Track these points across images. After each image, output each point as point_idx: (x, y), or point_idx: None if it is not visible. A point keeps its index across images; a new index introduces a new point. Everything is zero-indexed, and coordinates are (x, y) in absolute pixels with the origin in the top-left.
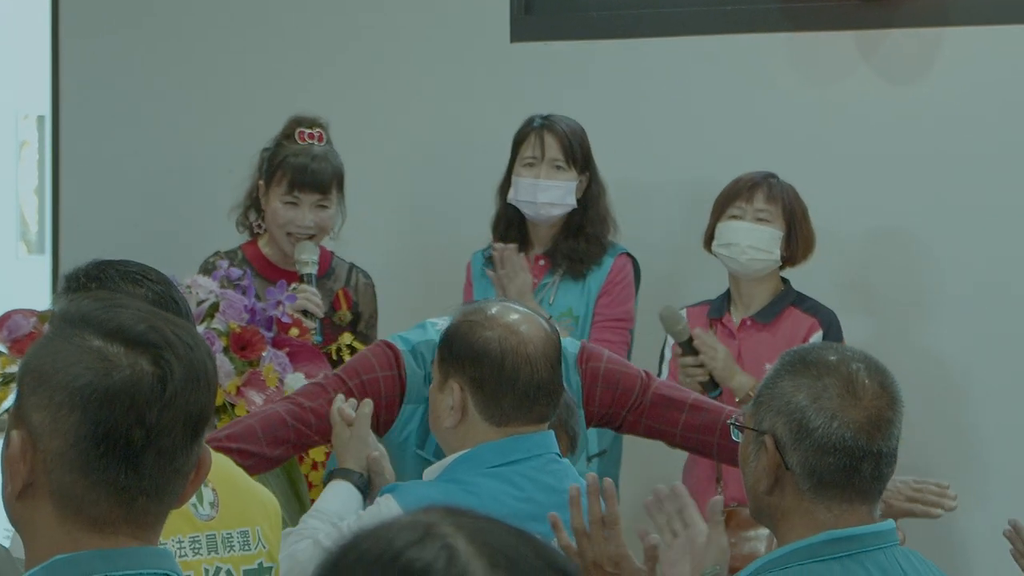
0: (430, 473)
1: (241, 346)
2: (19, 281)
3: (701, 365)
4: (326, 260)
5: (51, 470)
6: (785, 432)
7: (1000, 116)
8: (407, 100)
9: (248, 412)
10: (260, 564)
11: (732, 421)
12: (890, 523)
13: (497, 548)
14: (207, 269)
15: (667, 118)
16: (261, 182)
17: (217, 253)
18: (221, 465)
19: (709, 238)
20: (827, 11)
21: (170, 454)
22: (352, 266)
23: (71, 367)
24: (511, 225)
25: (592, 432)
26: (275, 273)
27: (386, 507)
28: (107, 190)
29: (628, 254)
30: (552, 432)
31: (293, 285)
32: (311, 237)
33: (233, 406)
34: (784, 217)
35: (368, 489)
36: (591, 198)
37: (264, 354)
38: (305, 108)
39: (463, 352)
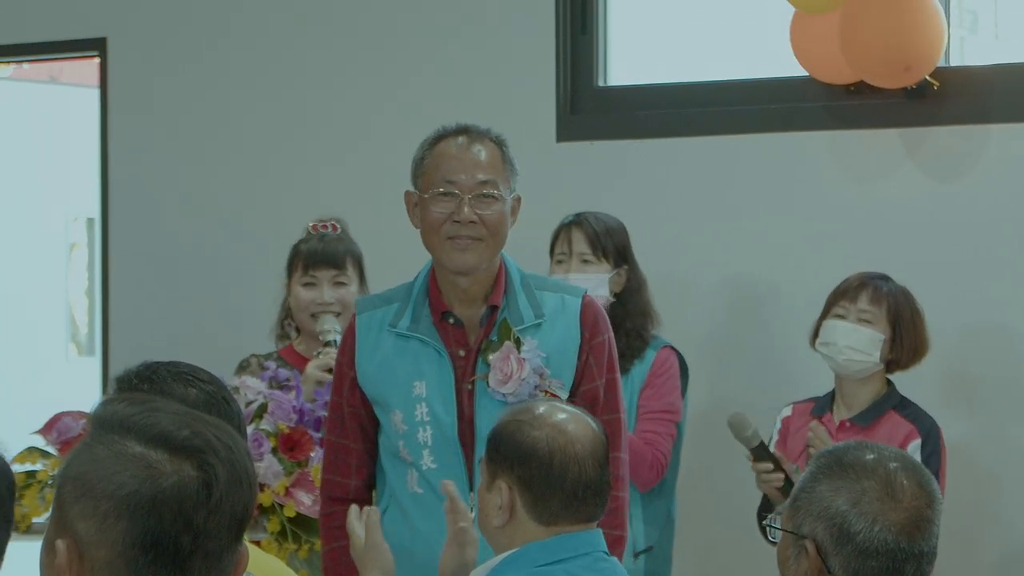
0: (478, 573)
1: (290, 447)
2: (69, 382)
3: (775, 471)
4: None
5: None
6: (826, 537)
7: None
8: None
9: (296, 513)
10: None
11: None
12: None
13: None
14: (243, 368)
15: (711, 215)
16: (286, 282)
17: (254, 355)
18: (271, 566)
19: (814, 335)
20: (871, 109)
21: (216, 556)
22: None
23: (115, 475)
24: None
25: (639, 529)
26: None
27: None
28: (156, 291)
29: (672, 347)
30: (600, 531)
31: (316, 351)
32: (337, 316)
33: (282, 506)
34: (888, 319)
35: None
36: (629, 292)
37: (312, 454)
38: (353, 206)
39: (511, 452)
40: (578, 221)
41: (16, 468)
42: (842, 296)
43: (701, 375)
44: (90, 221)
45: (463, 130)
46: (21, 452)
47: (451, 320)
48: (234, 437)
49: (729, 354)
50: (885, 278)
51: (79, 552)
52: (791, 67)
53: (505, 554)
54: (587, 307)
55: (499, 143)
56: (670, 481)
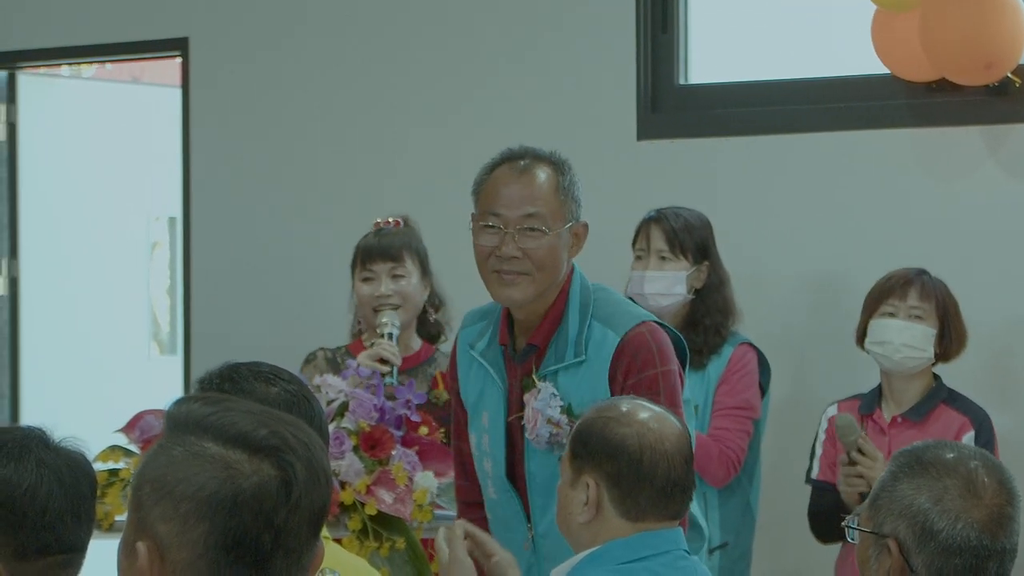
0: (559, 572)
1: (371, 445)
2: (150, 381)
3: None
4: (428, 352)
5: None
6: (908, 535)
7: None
8: None
9: (377, 511)
10: None
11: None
12: None
13: None
14: (308, 361)
15: (792, 212)
16: (353, 280)
17: (321, 349)
18: (354, 565)
19: (861, 335)
20: (952, 106)
21: (296, 553)
22: None
23: (195, 476)
24: None
25: (714, 524)
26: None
27: None
28: (237, 290)
29: (751, 344)
30: (681, 529)
31: (372, 341)
32: (396, 309)
33: (363, 505)
34: (937, 314)
35: None
36: (710, 288)
37: (394, 452)
38: (431, 205)
39: (599, 448)
40: (657, 218)
41: (98, 466)
42: (889, 294)
43: (783, 371)
44: (172, 220)
45: (521, 155)
46: (103, 451)
47: (512, 351)
48: (310, 435)
49: (810, 351)
50: (926, 273)
51: (160, 554)
52: (872, 64)
53: (586, 552)
54: (626, 344)
55: (559, 169)
56: (747, 477)
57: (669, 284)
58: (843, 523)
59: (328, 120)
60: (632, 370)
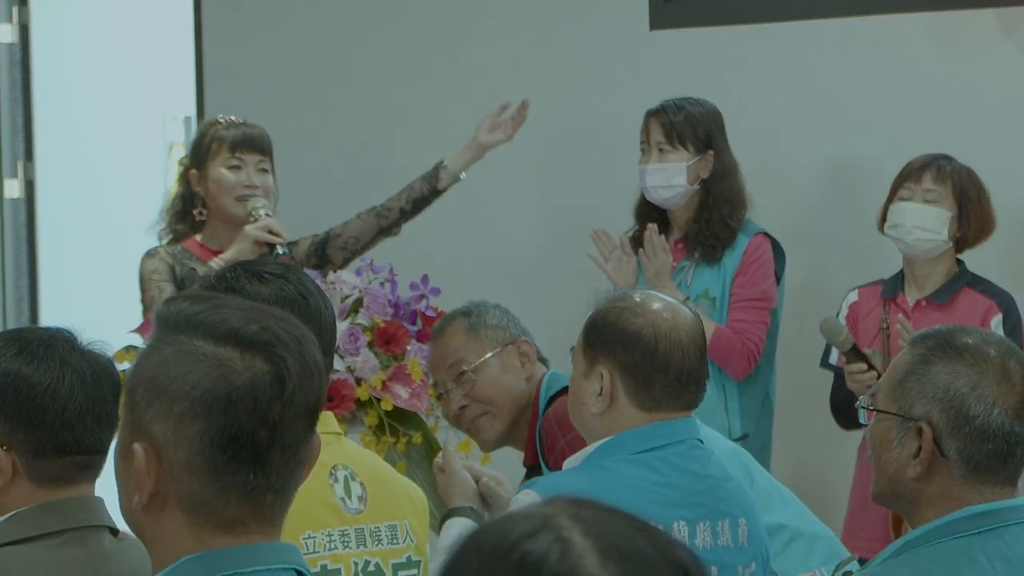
0: (572, 462)
1: (386, 340)
2: None
3: (868, 371)
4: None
5: (178, 479)
6: (942, 419)
7: None
8: (547, 90)
9: (393, 407)
10: (408, 558)
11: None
12: None
13: (612, 541)
14: (151, 255)
15: (808, 100)
16: (193, 172)
17: (156, 247)
18: (368, 460)
19: (882, 220)
20: None
21: (293, 447)
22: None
23: (188, 375)
24: (651, 210)
25: (735, 415)
26: None
27: (526, 500)
28: None
29: (766, 234)
30: (695, 419)
31: (253, 216)
32: None
33: (379, 400)
34: (954, 197)
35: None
36: (715, 178)
37: (408, 348)
38: (436, 97)
39: (614, 338)
40: (656, 111)
41: (119, 368)
42: (906, 178)
43: (799, 260)
44: (187, 120)
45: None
46: (118, 351)
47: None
48: (301, 329)
49: (826, 238)
50: (948, 158)
51: (157, 454)
52: None
53: (599, 442)
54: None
55: (456, 321)
56: (765, 368)
57: (669, 176)
58: (856, 403)
59: (345, 12)
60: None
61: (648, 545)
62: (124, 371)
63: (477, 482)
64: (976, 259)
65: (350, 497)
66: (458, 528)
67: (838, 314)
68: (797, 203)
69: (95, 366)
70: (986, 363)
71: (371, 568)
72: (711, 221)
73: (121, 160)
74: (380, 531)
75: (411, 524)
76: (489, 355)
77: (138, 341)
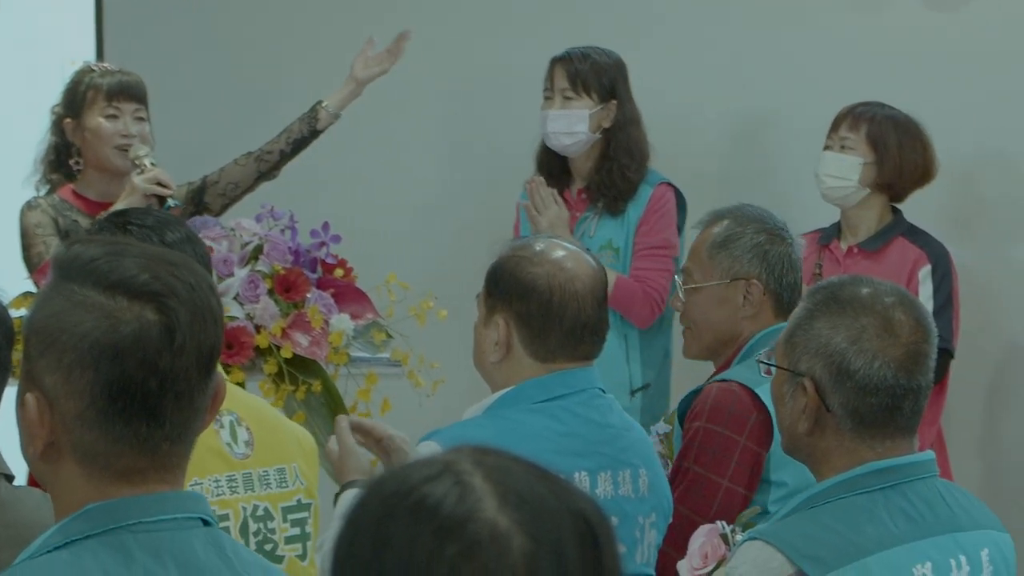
0: (473, 411)
1: (286, 288)
2: None
3: None
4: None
5: (71, 430)
6: (824, 374)
7: None
8: (448, 35)
9: (293, 354)
10: (299, 501)
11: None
12: (929, 454)
13: (512, 487)
14: (33, 207)
15: (709, 48)
16: (68, 120)
17: (36, 198)
18: (254, 405)
19: None
20: None
21: (187, 396)
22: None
23: (76, 326)
24: (553, 159)
25: (636, 364)
26: (102, 209)
27: (426, 451)
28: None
29: (669, 183)
30: (595, 369)
31: (137, 165)
32: None
33: (279, 348)
34: (868, 143)
35: None
36: (617, 127)
37: (309, 295)
38: (338, 42)
39: (510, 287)
40: (562, 58)
41: (12, 313)
42: (831, 128)
43: (703, 209)
44: (87, 64)
45: None
46: (16, 297)
47: None
48: (197, 274)
49: (731, 188)
50: (881, 105)
51: (49, 405)
52: None
53: (500, 392)
54: None
55: (714, 227)
56: (668, 318)
57: (570, 123)
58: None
59: None
60: None
61: (550, 493)
62: (20, 318)
63: (379, 441)
64: (919, 209)
65: (236, 442)
66: (352, 498)
67: None
68: (707, 155)
69: None
70: (869, 316)
71: (260, 512)
72: (612, 171)
73: (18, 104)
74: (268, 475)
75: (300, 467)
76: (714, 283)
77: (34, 288)
